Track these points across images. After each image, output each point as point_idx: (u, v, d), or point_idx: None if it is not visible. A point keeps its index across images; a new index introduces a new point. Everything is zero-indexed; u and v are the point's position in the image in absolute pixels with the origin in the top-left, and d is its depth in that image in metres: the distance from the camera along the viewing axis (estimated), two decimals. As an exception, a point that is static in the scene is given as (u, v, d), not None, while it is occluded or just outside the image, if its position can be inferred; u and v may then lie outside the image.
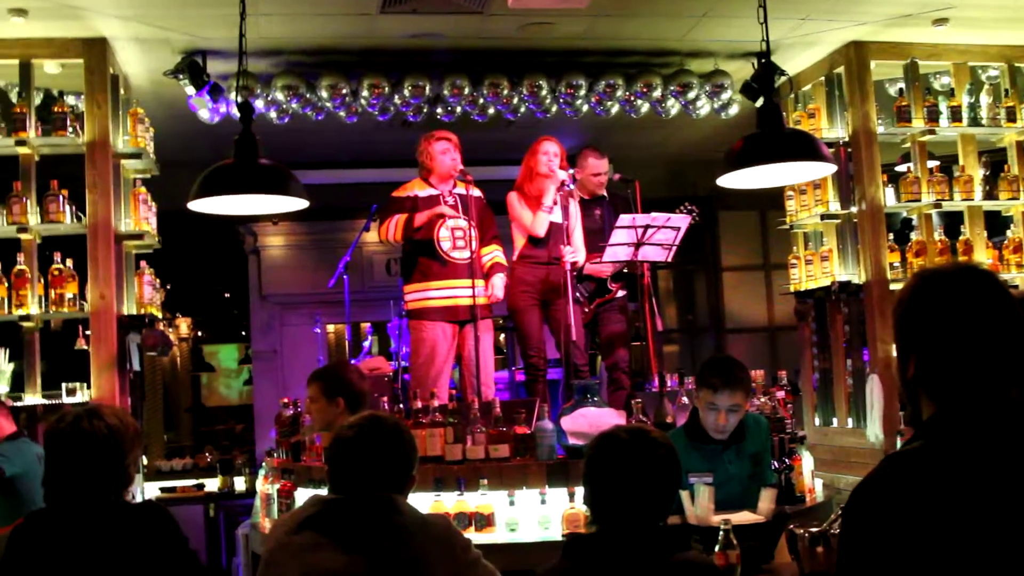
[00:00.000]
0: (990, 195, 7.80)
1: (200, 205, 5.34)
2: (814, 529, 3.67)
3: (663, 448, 2.95)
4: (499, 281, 7.02)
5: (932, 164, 7.95)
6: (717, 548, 3.51)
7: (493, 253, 7.12)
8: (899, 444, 6.55)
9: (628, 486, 2.87)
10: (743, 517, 4.15)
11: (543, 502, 5.15)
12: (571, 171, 7.07)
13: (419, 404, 5.70)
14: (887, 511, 1.92)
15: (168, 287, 9.49)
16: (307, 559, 3.06)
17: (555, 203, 6.97)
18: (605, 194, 7.66)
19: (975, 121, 7.78)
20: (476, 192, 7.00)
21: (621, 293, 7.45)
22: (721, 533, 3.53)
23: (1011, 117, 7.80)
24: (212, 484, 9.35)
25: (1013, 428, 1.98)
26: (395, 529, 3.08)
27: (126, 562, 3.07)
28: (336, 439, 3.25)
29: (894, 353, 7.08)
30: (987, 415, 1.99)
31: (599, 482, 2.92)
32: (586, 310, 7.32)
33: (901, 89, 7.84)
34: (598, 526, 2.92)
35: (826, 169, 5.67)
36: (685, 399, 5.85)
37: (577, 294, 7.04)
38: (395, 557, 3.04)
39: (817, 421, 8.14)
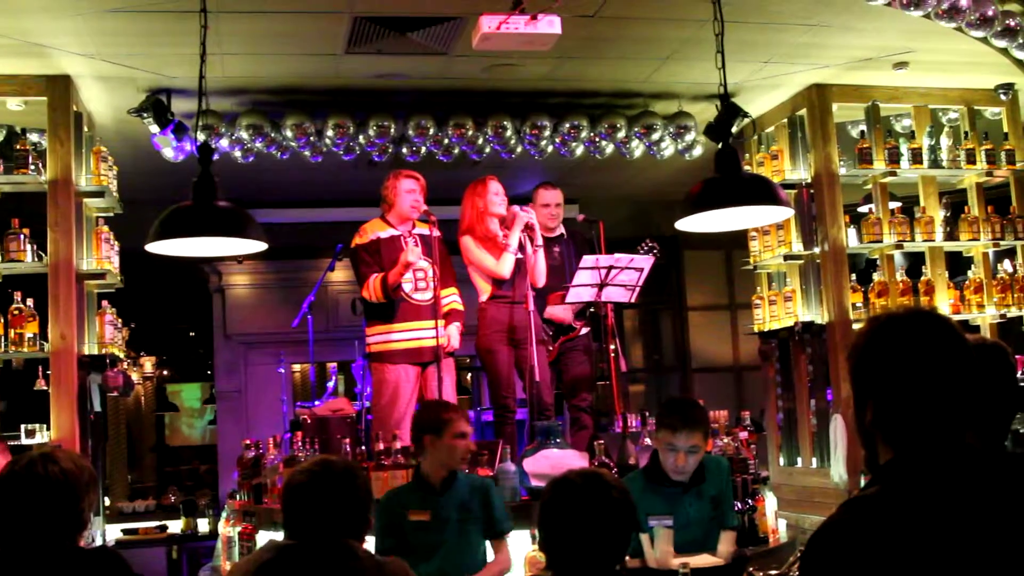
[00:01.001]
0: (951, 236, 7.87)
1: (158, 247, 5.31)
2: (773, 572, 3.68)
3: (616, 491, 2.95)
4: (455, 332, 6.96)
5: (894, 205, 8.01)
6: (676, 592, 3.50)
7: (451, 298, 7.06)
8: (863, 483, 6.60)
9: (582, 530, 2.87)
10: (702, 560, 4.15)
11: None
12: (529, 209, 7.08)
13: (381, 446, 5.67)
14: (845, 556, 1.92)
15: (132, 326, 9.43)
16: (262, 606, 3.03)
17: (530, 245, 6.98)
18: (563, 231, 7.64)
19: (936, 163, 7.86)
20: (436, 232, 6.98)
21: (585, 330, 7.44)
22: (680, 577, 3.52)
23: (971, 159, 7.88)
24: (176, 525, 9.25)
25: (969, 474, 1.99)
26: (352, 574, 3.06)
27: None
28: (288, 485, 3.23)
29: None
30: (944, 461, 2.00)
31: (554, 527, 2.92)
32: (550, 348, 7.30)
33: (863, 131, 7.91)
34: (554, 571, 2.91)
35: (783, 213, 5.70)
36: (648, 440, 5.86)
37: (543, 334, 7.04)
38: (350, 604, 3.02)
39: (782, 461, 8.15)
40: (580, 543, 2.86)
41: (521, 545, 5.07)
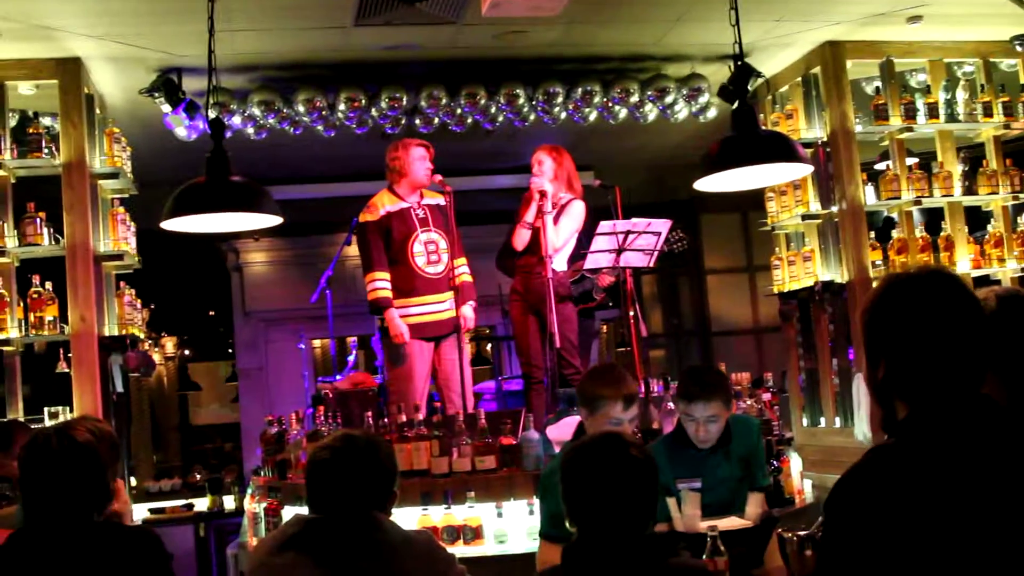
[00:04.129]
0: (969, 191, 7.82)
1: (173, 224, 5.29)
2: (803, 532, 3.65)
3: (635, 448, 2.93)
4: (469, 311, 6.98)
5: (911, 161, 7.95)
6: (704, 555, 3.49)
7: (461, 268, 7.03)
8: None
9: (605, 491, 2.84)
10: (730, 523, 4.13)
11: (531, 513, 5.14)
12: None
13: (403, 418, 5.68)
14: (869, 501, 1.96)
15: (152, 307, 9.45)
16: (289, 579, 3.03)
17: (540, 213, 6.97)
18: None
19: (952, 117, 7.79)
20: (442, 201, 6.96)
21: (608, 305, 7.48)
22: (708, 540, 3.51)
23: (987, 112, 7.80)
24: (202, 503, 9.29)
25: (988, 425, 2.03)
26: (377, 547, 3.06)
27: None
28: (311, 460, 3.22)
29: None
30: (962, 413, 2.03)
31: (576, 491, 2.90)
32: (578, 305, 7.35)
33: (878, 87, 7.85)
34: (582, 539, 2.89)
35: (803, 170, 5.66)
36: (671, 404, 5.84)
37: (565, 292, 7.08)
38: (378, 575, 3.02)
39: (805, 422, 8.13)
40: (604, 505, 2.84)
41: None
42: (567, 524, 2.94)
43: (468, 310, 6.95)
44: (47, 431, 3.19)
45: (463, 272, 7.02)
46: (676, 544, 3.72)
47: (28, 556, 3.01)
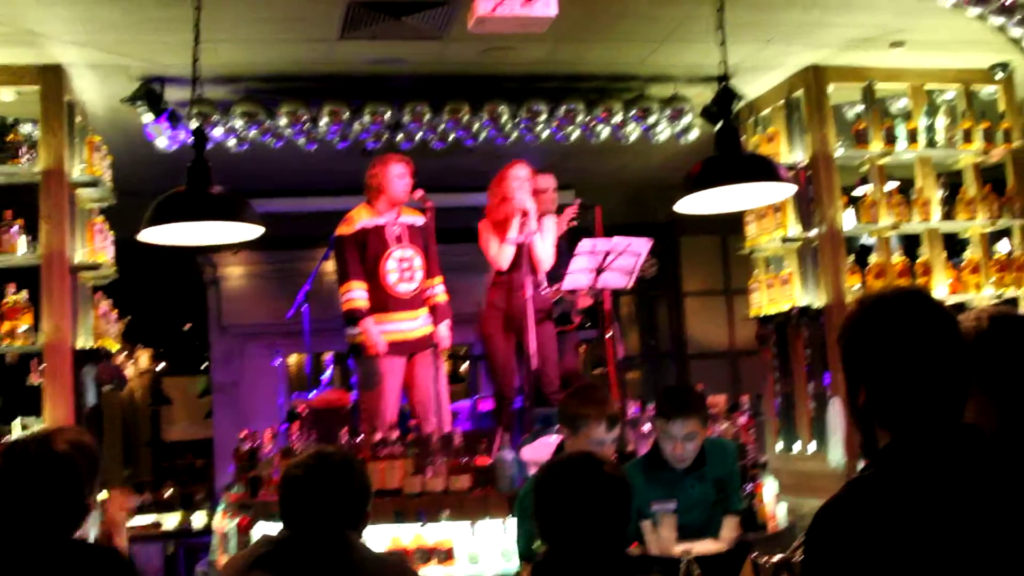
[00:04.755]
0: (948, 216, 7.85)
1: (152, 235, 5.26)
2: (777, 558, 3.64)
3: (608, 466, 2.92)
4: (445, 330, 6.93)
5: (891, 186, 7.98)
6: (679, 578, 3.47)
7: (438, 288, 7.00)
8: (860, 468, 6.58)
9: (578, 511, 2.82)
10: (704, 547, 4.12)
11: (504, 533, 5.10)
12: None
13: (378, 436, 5.64)
14: (848, 533, 1.94)
15: (128, 319, 9.38)
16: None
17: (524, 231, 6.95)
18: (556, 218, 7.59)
19: (932, 143, 7.82)
20: (419, 220, 6.93)
21: (586, 326, 7.45)
22: (682, 563, 3.49)
23: (967, 139, 7.84)
24: (171, 520, 9.22)
25: (970, 455, 2.00)
26: (349, 567, 3.02)
27: None
28: (284, 478, 3.17)
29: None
30: (944, 443, 2.00)
31: (549, 510, 2.87)
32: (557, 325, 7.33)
33: (859, 112, 7.88)
34: (555, 560, 2.86)
35: (785, 191, 5.67)
36: (646, 427, 5.82)
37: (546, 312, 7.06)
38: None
39: (780, 446, 8.13)
40: (576, 523, 2.82)
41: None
42: (538, 541, 2.92)
43: (444, 329, 6.91)
44: (25, 439, 3.12)
45: (439, 292, 6.99)
46: (649, 568, 3.70)
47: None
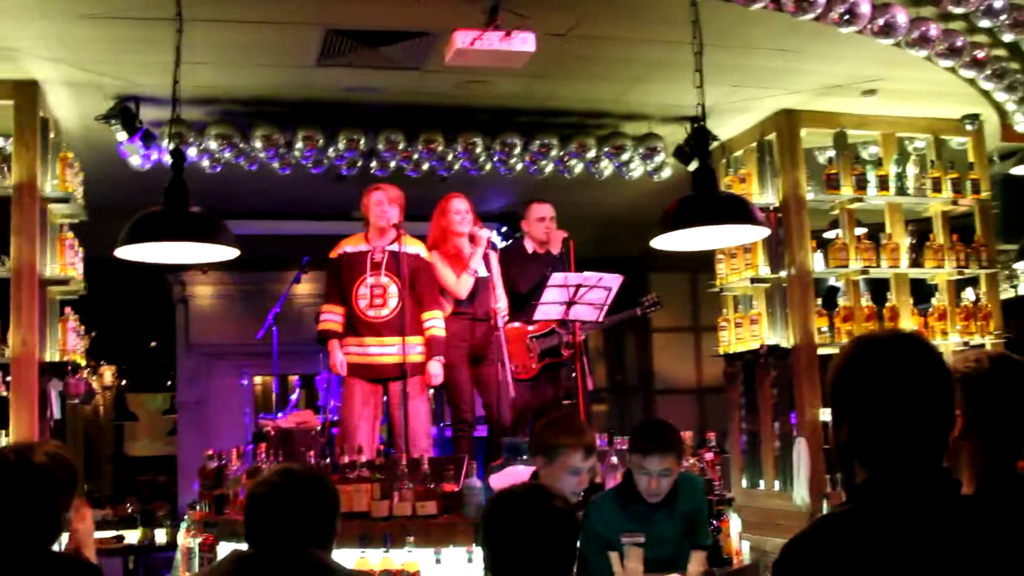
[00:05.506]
0: (916, 263, 7.93)
1: (128, 252, 5.25)
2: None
3: (558, 500, 2.93)
4: (436, 368, 6.91)
5: (860, 231, 8.06)
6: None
7: (432, 322, 6.99)
8: (825, 508, 6.61)
9: (525, 542, 2.83)
10: (671, 580, 4.14)
11: (470, 560, 5.10)
12: (489, 230, 7.13)
13: (346, 459, 5.64)
14: (817, 568, 1.95)
15: (93, 334, 9.32)
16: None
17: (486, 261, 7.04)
18: (552, 250, 7.63)
19: (902, 191, 7.92)
20: (411, 249, 6.96)
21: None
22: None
23: (936, 188, 7.95)
24: (132, 536, 9.14)
25: (943, 500, 2.01)
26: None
27: None
28: (250, 495, 3.15)
29: (823, 417, 7.19)
30: (919, 486, 2.01)
31: (497, 540, 2.89)
32: (533, 366, 7.34)
33: (831, 157, 7.96)
34: None
35: (759, 233, 5.72)
36: (614, 459, 5.84)
37: (537, 347, 7.11)
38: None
39: (744, 483, 8.17)
40: (524, 556, 2.83)
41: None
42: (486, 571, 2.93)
43: (435, 366, 6.90)
44: (3, 450, 3.10)
45: (433, 326, 6.99)
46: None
47: None
